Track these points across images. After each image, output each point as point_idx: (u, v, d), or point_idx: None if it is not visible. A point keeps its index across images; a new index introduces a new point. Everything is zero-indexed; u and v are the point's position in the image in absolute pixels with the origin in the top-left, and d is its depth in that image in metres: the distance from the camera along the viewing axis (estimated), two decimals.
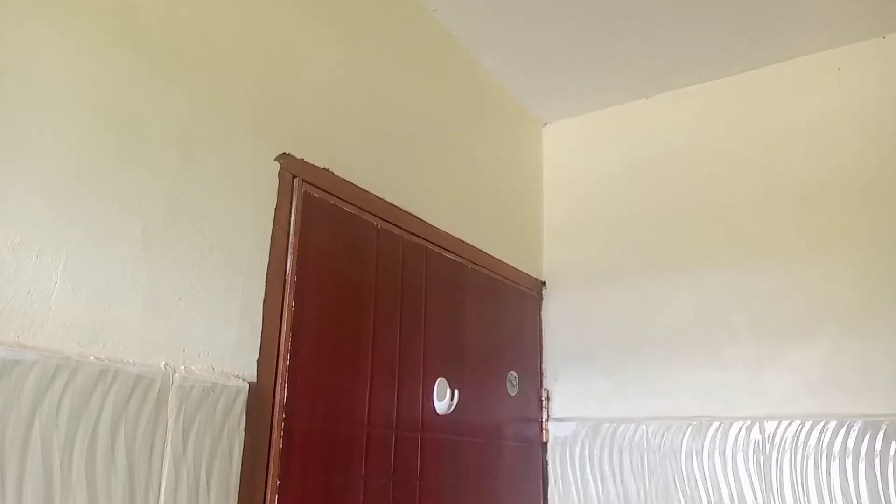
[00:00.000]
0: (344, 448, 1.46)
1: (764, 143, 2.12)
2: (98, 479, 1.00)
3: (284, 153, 1.44)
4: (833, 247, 1.94)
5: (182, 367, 1.15)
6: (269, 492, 1.26)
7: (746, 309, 2.00)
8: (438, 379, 1.77)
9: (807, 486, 1.81)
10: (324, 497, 1.38)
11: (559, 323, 2.31)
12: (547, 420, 2.22)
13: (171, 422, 1.11)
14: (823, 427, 1.82)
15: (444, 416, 1.77)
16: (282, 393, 1.32)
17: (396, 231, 1.73)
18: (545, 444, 2.21)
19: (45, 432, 0.95)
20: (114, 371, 1.04)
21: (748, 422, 1.92)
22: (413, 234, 1.78)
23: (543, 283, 2.37)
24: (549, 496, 2.17)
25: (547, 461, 2.20)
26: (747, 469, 1.89)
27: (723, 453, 1.93)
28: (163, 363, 1.13)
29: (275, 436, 1.29)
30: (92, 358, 1.03)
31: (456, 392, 1.79)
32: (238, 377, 1.24)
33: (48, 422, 0.95)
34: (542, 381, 2.27)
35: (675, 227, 2.19)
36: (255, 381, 1.28)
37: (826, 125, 2.04)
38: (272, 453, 1.28)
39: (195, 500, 1.12)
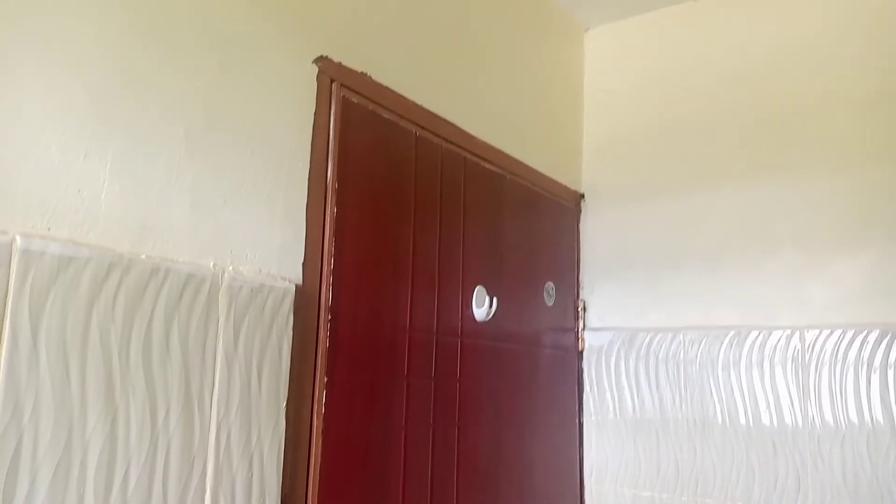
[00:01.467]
0: (387, 350, 1.49)
1: (814, 48, 2.01)
2: (155, 371, 1.04)
3: (322, 56, 1.41)
4: (882, 153, 1.86)
5: (230, 268, 1.17)
6: (317, 388, 1.30)
7: (791, 218, 1.96)
8: (477, 287, 1.78)
9: (846, 396, 1.81)
10: (369, 395, 1.43)
11: (597, 235, 2.29)
12: (583, 329, 2.24)
13: (221, 320, 1.14)
14: (865, 337, 1.80)
15: (483, 323, 1.79)
16: (327, 295, 1.35)
17: (434, 139, 1.70)
18: (581, 352, 2.24)
19: (102, 326, 0.98)
20: (165, 269, 1.06)
21: (788, 331, 1.90)
22: (451, 142, 1.76)
23: (582, 196, 2.34)
24: (584, 402, 2.21)
25: (583, 369, 2.23)
26: (785, 378, 1.89)
27: (761, 363, 1.93)
28: (211, 263, 1.15)
29: (321, 336, 1.32)
30: (143, 256, 1.05)
31: (494, 300, 1.81)
32: (285, 279, 1.27)
33: (105, 316, 0.99)
34: (578, 293, 2.28)
35: (720, 136, 2.12)
36: (300, 283, 1.30)
37: (880, 27, 1.92)
38: (319, 352, 1.32)
39: (248, 395, 1.17)
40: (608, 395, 2.18)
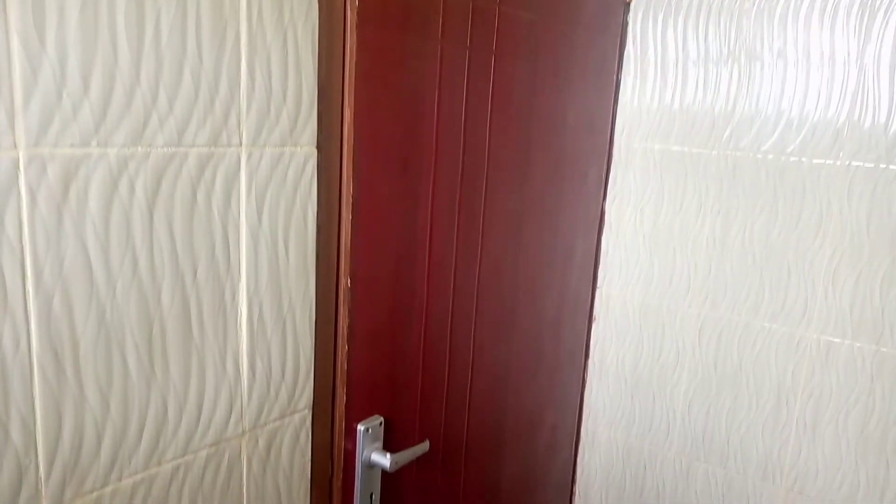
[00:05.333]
0: (420, 10, 1.38)
1: None
2: None
3: None
4: None
5: None
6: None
7: None
8: None
9: None
10: (404, 21, 1.35)
11: None
12: None
13: None
14: None
15: None
16: None
17: None
18: (628, 4, 2.08)
19: None
20: None
21: None
22: None
23: None
24: (623, 59, 2.12)
25: (627, 21, 2.10)
26: (846, 28, 1.76)
27: (823, 9, 1.79)
28: None
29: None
30: None
31: None
32: None
33: None
34: None
35: None
36: None
37: None
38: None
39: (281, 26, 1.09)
40: (651, 49, 2.07)
